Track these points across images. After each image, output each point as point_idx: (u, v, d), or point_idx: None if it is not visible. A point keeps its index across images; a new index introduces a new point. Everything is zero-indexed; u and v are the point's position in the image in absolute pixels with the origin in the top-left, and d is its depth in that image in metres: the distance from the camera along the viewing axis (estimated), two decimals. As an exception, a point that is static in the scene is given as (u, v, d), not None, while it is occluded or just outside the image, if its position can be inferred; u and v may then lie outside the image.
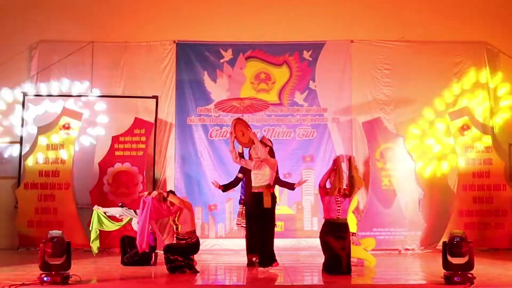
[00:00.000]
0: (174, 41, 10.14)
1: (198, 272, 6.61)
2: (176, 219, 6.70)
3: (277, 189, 8.71)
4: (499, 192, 9.46)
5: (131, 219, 7.56)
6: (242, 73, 10.16)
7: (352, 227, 7.36)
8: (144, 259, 7.32)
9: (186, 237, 6.65)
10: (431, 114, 9.91)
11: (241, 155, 7.83)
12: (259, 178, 6.90)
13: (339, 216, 6.53)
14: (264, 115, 9.86)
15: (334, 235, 6.45)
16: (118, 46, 10.10)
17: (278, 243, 9.26)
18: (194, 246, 6.69)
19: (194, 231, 6.76)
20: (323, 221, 9.73)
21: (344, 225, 6.57)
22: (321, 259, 8.29)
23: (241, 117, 7.83)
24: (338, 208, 6.52)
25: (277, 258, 8.19)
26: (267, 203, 6.87)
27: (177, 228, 6.74)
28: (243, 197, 7.65)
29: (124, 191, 9.45)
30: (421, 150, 9.79)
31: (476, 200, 9.45)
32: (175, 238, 6.81)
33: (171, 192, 6.85)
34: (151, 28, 10.12)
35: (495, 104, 9.99)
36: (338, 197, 6.55)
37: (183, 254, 6.56)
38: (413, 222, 9.37)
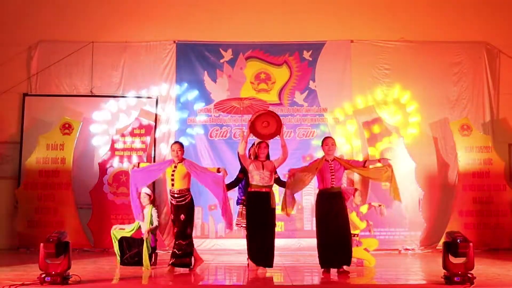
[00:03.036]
0: (174, 41, 10.15)
1: (191, 269, 6.74)
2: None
3: (277, 189, 8.73)
4: (499, 192, 9.46)
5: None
6: (242, 73, 10.17)
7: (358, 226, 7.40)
8: (144, 259, 7.32)
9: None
10: (431, 114, 9.92)
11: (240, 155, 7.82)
12: (268, 178, 6.84)
13: (333, 185, 6.51)
14: (264, 115, 9.84)
15: (329, 207, 6.44)
16: (118, 45, 10.11)
17: (278, 243, 9.30)
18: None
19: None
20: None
21: (339, 194, 6.55)
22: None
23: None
24: (332, 177, 6.50)
25: (277, 257, 8.21)
26: (274, 203, 6.84)
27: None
28: (242, 198, 7.63)
29: (124, 191, 9.44)
30: (420, 149, 9.80)
31: (476, 200, 9.45)
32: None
33: None
34: (151, 28, 10.12)
35: (496, 103, 10.03)
36: (331, 165, 6.54)
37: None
38: (413, 222, 9.36)
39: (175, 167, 6.77)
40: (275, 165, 6.93)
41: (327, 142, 6.66)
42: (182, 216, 6.69)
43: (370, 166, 6.81)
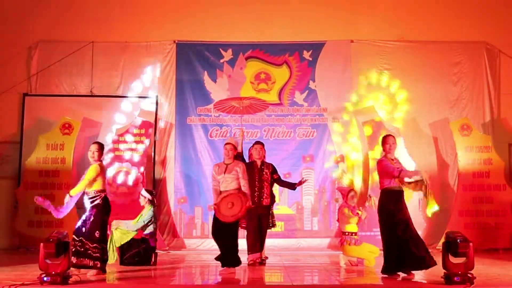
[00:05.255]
0: (174, 41, 10.15)
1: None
2: None
3: (277, 189, 8.75)
4: (499, 192, 9.45)
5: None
6: (242, 73, 10.17)
7: (354, 227, 7.34)
8: (144, 259, 7.33)
9: None
10: (431, 114, 9.93)
11: (239, 155, 7.83)
12: (229, 182, 6.56)
13: (399, 183, 6.21)
14: (264, 115, 9.86)
15: (395, 207, 6.10)
16: (118, 45, 10.11)
17: (278, 243, 9.35)
18: None
19: None
20: (323, 221, 9.84)
21: (403, 192, 6.21)
22: (321, 259, 8.35)
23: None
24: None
25: (277, 257, 8.19)
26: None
27: None
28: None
29: (124, 191, 9.44)
30: (420, 149, 9.81)
31: (476, 200, 9.44)
32: None
33: None
34: (151, 28, 10.12)
35: (496, 103, 10.03)
36: (395, 163, 6.21)
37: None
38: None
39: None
40: (239, 175, 6.57)
41: (388, 141, 6.26)
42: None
43: (405, 179, 6.26)
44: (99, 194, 6.41)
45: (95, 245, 6.26)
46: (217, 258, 6.73)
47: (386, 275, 6.11)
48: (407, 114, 9.93)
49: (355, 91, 10.00)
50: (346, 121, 9.96)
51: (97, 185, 6.42)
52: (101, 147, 6.61)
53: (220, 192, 6.61)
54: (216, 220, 6.58)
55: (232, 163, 6.64)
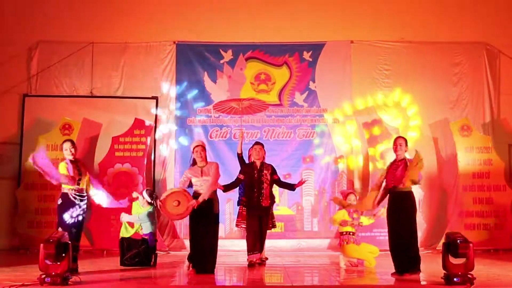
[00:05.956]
0: (174, 42, 10.14)
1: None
2: None
3: (277, 190, 8.75)
4: (499, 192, 9.44)
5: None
6: (242, 73, 10.17)
7: (351, 227, 7.32)
8: (144, 260, 7.33)
9: None
10: (431, 114, 9.92)
11: (240, 156, 7.84)
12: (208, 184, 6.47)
13: (394, 185, 6.35)
14: (264, 115, 9.87)
15: (393, 207, 6.33)
16: (118, 46, 10.10)
17: (278, 243, 9.35)
18: None
19: None
20: (323, 222, 9.87)
21: (403, 194, 6.33)
22: (321, 259, 8.36)
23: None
24: (392, 176, 6.38)
25: (277, 258, 8.19)
26: (216, 208, 6.57)
27: None
28: (242, 198, 7.66)
29: (124, 192, 9.41)
30: (420, 150, 9.78)
31: (476, 200, 9.43)
32: None
33: None
34: (151, 28, 10.12)
35: (496, 103, 10.03)
36: (395, 165, 6.42)
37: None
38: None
39: (76, 165, 6.44)
40: (211, 173, 6.47)
41: (395, 142, 6.52)
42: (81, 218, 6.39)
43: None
44: (87, 193, 6.51)
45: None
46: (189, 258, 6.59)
47: (395, 277, 6.20)
48: (405, 116, 9.91)
49: (356, 91, 9.99)
50: (346, 121, 9.95)
51: (87, 183, 6.50)
52: (74, 143, 6.57)
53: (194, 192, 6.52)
54: (195, 220, 6.46)
55: (206, 165, 6.51)
